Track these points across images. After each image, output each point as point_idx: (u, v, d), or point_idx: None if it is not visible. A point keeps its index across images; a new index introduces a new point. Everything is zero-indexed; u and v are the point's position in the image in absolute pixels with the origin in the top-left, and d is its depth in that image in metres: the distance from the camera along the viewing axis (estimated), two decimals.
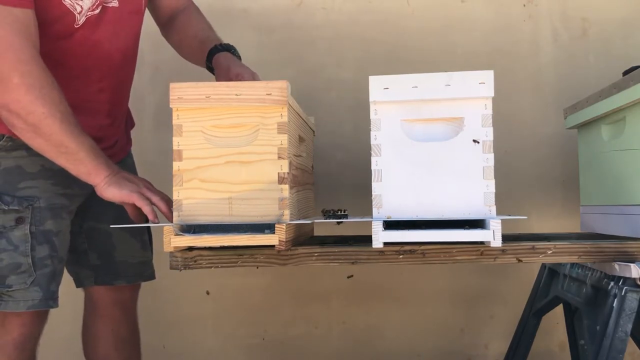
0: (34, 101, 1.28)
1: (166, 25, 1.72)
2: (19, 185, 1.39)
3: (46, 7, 1.34)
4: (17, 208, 1.38)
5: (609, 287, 1.30)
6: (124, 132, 1.66)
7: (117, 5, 1.46)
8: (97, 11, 1.42)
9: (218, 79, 1.54)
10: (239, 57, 1.61)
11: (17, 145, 1.39)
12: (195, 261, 1.27)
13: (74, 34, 1.40)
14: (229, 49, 1.60)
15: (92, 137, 1.46)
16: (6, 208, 1.37)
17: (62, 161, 1.34)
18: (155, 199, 1.35)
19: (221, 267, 1.27)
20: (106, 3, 1.43)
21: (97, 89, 1.49)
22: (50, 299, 1.42)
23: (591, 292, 1.41)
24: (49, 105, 1.29)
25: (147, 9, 1.66)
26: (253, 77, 1.51)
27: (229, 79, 1.49)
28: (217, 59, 1.57)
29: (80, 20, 1.40)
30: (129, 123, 1.72)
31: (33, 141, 1.32)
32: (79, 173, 1.35)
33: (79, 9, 1.38)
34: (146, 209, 1.34)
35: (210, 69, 1.60)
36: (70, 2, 1.37)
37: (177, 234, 1.21)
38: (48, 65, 1.34)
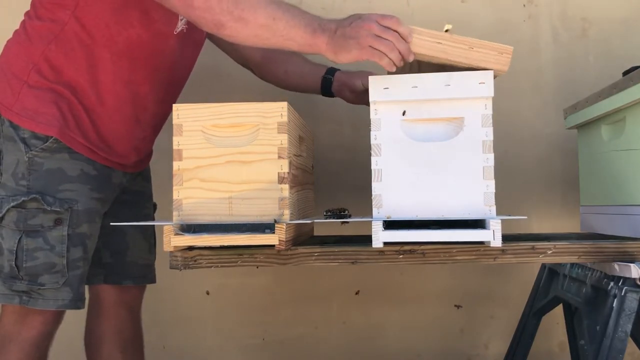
0: None
1: (263, 62, 1.75)
2: (60, 187, 1.41)
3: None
4: (57, 209, 1.39)
5: (609, 287, 1.30)
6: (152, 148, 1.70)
7: (185, 31, 1.51)
8: (185, 25, 1.50)
9: (356, 79, 1.66)
10: None
11: (61, 147, 1.42)
12: (195, 261, 1.27)
13: (169, 38, 1.48)
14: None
15: (133, 147, 1.55)
16: (48, 209, 1.38)
17: (278, 42, 1.27)
18: (386, 47, 1.20)
19: (221, 266, 1.27)
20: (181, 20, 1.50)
21: (156, 99, 1.53)
22: (80, 300, 1.45)
23: (591, 292, 1.41)
24: None
25: (233, 57, 1.77)
26: None
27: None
28: (341, 74, 1.69)
29: (179, 28, 1.47)
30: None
31: (246, 32, 1.26)
32: (302, 49, 1.28)
33: (181, 15, 1.44)
34: (384, 63, 1.22)
35: (326, 88, 1.71)
36: None
37: (177, 234, 1.21)
38: (143, 53, 1.44)
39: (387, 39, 1.20)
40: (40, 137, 1.40)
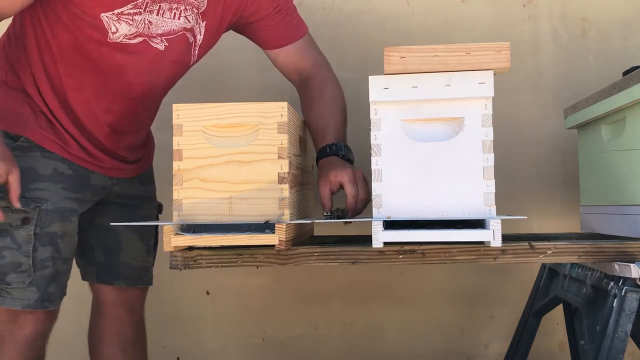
0: None
1: (298, 88, 1.64)
2: (30, 186, 1.40)
3: (86, 9, 1.37)
4: (24, 209, 1.39)
5: (609, 287, 1.30)
6: (140, 155, 1.65)
7: (162, 50, 1.47)
8: (134, 41, 1.43)
9: (319, 181, 1.42)
10: (349, 158, 1.48)
11: (33, 146, 1.42)
12: (195, 261, 1.27)
13: (102, 45, 1.42)
14: (338, 152, 1.47)
15: (102, 152, 1.52)
16: (13, 207, 1.37)
17: None
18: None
19: (221, 266, 1.27)
20: (150, 40, 1.45)
21: (104, 109, 1.50)
22: (47, 300, 1.43)
23: (591, 292, 1.41)
24: None
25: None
26: (355, 178, 1.38)
27: (328, 181, 1.39)
28: (322, 164, 1.47)
29: (114, 38, 1.41)
30: (150, 143, 1.72)
31: None
32: None
33: (114, 29, 1.40)
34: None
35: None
36: (107, 19, 1.39)
37: (177, 234, 1.21)
38: (78, 57, 1.42)
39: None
40: (12, 137, 1.41)
